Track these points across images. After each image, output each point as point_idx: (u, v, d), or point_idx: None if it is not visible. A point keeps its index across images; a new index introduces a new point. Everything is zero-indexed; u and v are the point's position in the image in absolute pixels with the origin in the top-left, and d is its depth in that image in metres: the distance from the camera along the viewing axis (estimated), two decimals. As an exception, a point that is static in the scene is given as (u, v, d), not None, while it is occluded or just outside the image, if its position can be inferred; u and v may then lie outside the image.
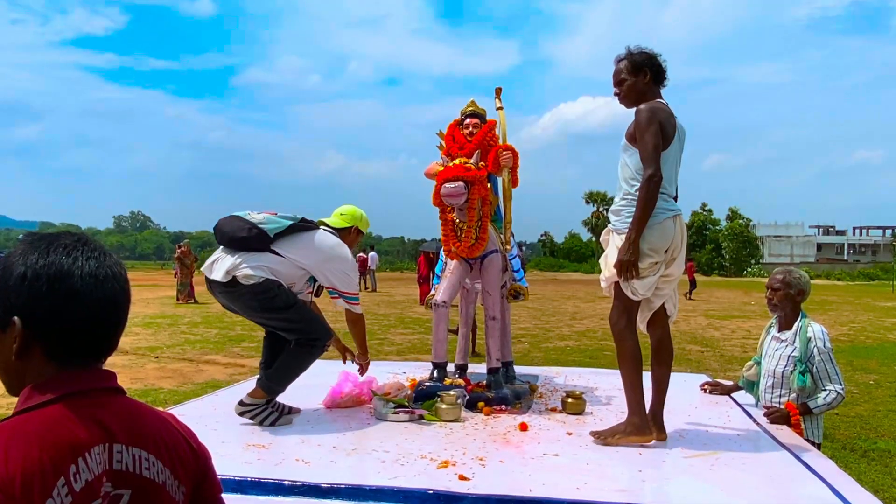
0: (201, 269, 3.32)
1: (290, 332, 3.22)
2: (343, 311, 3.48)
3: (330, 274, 3.32)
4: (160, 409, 1.20)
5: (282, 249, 3.19)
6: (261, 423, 3.14)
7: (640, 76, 2.99)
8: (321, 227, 3.45)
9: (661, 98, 3.00)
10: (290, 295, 3.20)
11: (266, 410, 3.18)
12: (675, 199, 3.07)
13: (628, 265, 2.83)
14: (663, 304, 3.05)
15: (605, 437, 2.87)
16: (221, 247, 3.21)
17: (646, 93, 2.98)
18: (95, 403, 1.05)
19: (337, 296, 3.41)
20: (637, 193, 2.84)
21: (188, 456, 1.15)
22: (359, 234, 3.66)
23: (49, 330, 1.03)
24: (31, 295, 1.02)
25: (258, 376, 3.32)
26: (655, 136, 2.81)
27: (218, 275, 3.11)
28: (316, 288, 3.53)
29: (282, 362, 3.22)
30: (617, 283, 2.92)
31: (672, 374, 3.09)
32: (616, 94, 3.06)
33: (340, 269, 3.35)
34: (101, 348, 1.09)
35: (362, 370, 3.72)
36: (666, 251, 2.91)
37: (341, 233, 3.52)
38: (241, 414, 3.17)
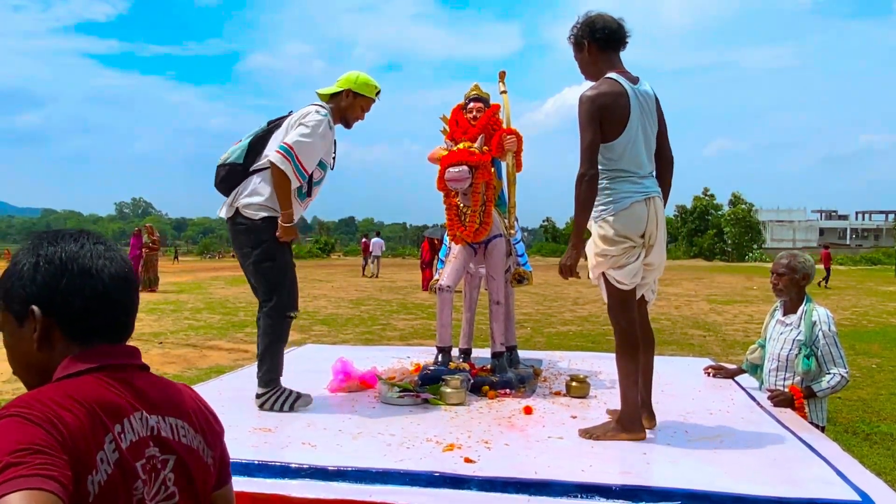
0: (217, 213, 3.38)
1: (260, 285, 3.23)
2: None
3: (290, 130, 3.18)
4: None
5: (260, 164, 3.19)
6: (281, 409, 3.11)
7: (584, 52, 2.84)
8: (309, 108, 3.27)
9: (615, 65, 2.81)
10: (282, 254, 3.21)
11: (278, 393, 3.16)
12: (671, 168, 2.97)
13: (567, 269, 2.75)
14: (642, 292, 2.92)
15: (595, 435, 2.75)
16: None
17: (596, 64, 2.82)
18: (129, 376, 1.10)
19: (277, 149, 3.12)
20: (603, 180, 2.74)
21: (212, 423, 1.23)
22: (356, 98, 3.33)
23: (67, 309, 1.06)
24: (47, 278, 1.05)
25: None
26: (592, 132, 2.67)
27: (224, 211, 3.23)
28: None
29: (262, 350, 3.21)
30: (604, 275, 2.81)
31: (675, 358, 3.08)
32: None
33: (300, 124, 3.16)
34: (118, 327, 1.12)
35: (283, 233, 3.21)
36: (641, 236, 2.77)
37: (333, 99, 3.32)
38: (262, 406, 3.14)
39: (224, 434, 1.26)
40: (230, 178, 3.22)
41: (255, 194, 3.15)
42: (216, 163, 3.30)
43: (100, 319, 1.09)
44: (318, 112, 3.21)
